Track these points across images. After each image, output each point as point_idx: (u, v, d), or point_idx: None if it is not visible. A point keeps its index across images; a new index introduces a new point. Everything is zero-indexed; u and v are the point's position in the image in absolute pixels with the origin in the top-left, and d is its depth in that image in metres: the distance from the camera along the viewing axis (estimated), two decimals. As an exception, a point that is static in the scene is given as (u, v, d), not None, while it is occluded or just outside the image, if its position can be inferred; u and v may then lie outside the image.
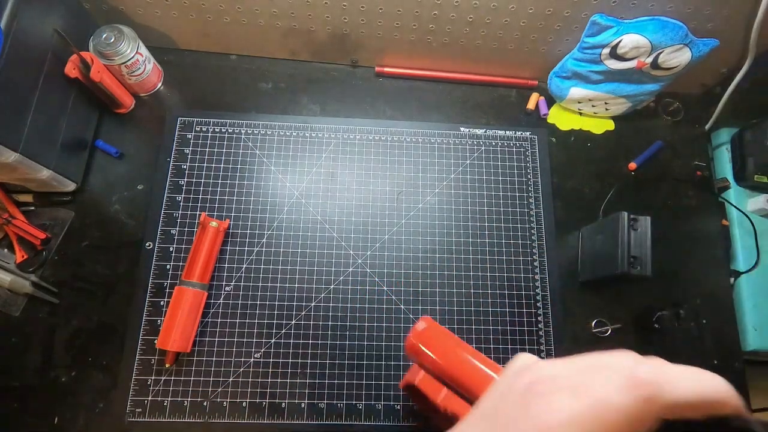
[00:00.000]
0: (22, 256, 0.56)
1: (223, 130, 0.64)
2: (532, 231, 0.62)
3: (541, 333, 0.58)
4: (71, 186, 0.58)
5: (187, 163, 0.62)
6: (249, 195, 0.61)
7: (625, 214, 0.53)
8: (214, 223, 0.56)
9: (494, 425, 0.20)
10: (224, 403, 0.53)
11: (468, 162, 0.65)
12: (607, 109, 0.67)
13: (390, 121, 0.66)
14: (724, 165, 0.67)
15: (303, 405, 0.53)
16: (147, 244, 0.58)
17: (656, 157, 0.67)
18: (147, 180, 0.61)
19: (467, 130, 0.66)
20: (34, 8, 0.49)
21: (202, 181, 0.61)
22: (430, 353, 0.28)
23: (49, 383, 0.52)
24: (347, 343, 0.56)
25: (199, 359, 0.54)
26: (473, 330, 0.57)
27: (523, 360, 0.23)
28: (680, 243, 0.64)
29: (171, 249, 0.58)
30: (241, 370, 0.54)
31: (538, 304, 0.59)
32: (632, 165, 0.66)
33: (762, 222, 0.64)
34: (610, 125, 0.69)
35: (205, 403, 0.52)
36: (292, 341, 0.55)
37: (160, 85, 0.66)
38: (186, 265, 0.55)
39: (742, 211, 0.64)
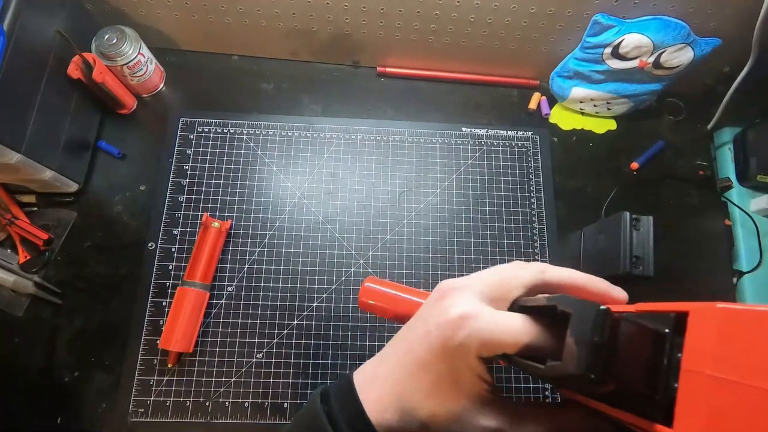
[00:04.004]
0: (25, 257, 0.56)
1: (224, 131, 0.64)
2: (534, 231, 0.62)
3: (543, 333, 0.58)
4: (74, 187, 0.58)
5: (189, 164, 0.62)
6: (251, 195, 0.61)
7: (627, 214, 0.53)
8: (216, 224, 0.56)
9: (418, 318, 0.27)
10: (226, 403, 0.53)
11: (470, 162, 0.65)
12: (609, 109, 0.67)
13: (391, 122, 0.66)
14: (727, 165, 0.67)
15: (305, 405, 0.53)
16: (149, 245, 0.58)
17: (658, 157, 0.67)
18: (149, 180, 0.61)
19: (469, 130, 0.66)
20: (37, 9, 0.49)
21: (204, 181, 0.61)
22: (379, 304, 0.35)
23: (52, 383, 0.52)
24: (349, 343, 0.56)
25: (201, 359, 0.54)
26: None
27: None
28: (683, 243, 0.63)
29: (173, 249, 0.58)
30: (243, 370, 0.54)
31: (540, 304, 0.59)
32: (634, 165, 0.66)
33: (765, 222, 0.63)
34: (612, 125, 0.69)
35: (207, 403, 0.53)
36: (294, 341, 0.56)
37: (162, 85, 0.66)
38: (188, 265, 0.55)
39: (744, 211, 0.64)
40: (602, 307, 0.20)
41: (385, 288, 0.35)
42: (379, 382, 0.27)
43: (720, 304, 0.17)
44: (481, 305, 0.25)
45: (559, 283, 0.27)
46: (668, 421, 0.18)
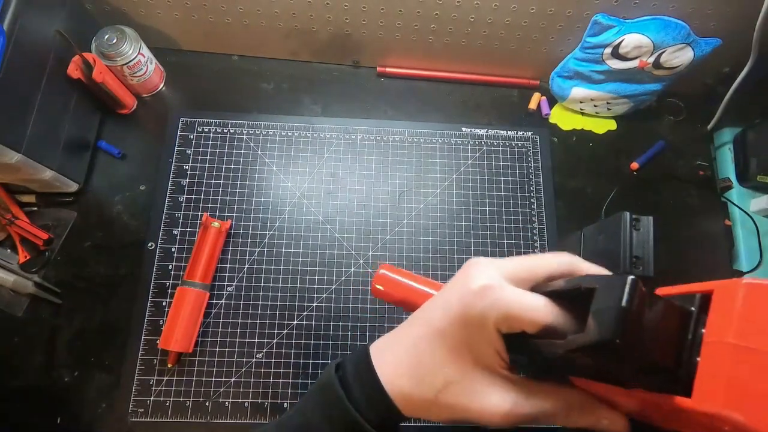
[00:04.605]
0: (25, 257, 0.56)
1: (224, 131, 0.64)
2: (534, 231, 0.62)
3: (543, 333, 0.58)
4: (74, 186, 0.58)
5: (189, 164, 0.62)
6: (251, 195, 0.61)
7: (627, 214, 0.53)
8: (215, 224, 0.56)
9: (438, 295, 0.28)
10: (226, 403, 0.53)
11: (470, 162, 0.65)
12: (609, 109, 0.67)
13: (391, 122, 0.66)
14: (727, 165, 0.67)
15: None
16: (149, 245, 0.58)
17: (658, 157, 0.67)
18: (149, 180, 0.61)
19: (469, 130, 0.66)
20: (37, 9, 0.49)
21: (204, 181, 0.61)
22: (392, 292, 0.35)
23: (52, 383, 0.52)
24: (349, 343, 0.56)
25: (201, 359, 0.54)
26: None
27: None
28: (683, 243, 0.63)
29: (173, 249, 0.58)
30: (243, 370, 0.54)
31: (540, 305, 0.59)
32: (634, 165, 0.66)
33: (765, 222, 0.63)
34: (612, 125, 0.69)
35: (207, 404, 0.53)
36: (294, 341, 0.56)
37: (162, 85, 0.66)
38: (188, 265, 0.55)
39: (744, 211, 0.64)
40: (631, 276, 0.19)
41: (400, 277, 0.35)
42: (395, 350, 0.27)
43: (746, 279, 0.17)
44: (504, 281, 0.25)
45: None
46: (688, 393, 0.18)
